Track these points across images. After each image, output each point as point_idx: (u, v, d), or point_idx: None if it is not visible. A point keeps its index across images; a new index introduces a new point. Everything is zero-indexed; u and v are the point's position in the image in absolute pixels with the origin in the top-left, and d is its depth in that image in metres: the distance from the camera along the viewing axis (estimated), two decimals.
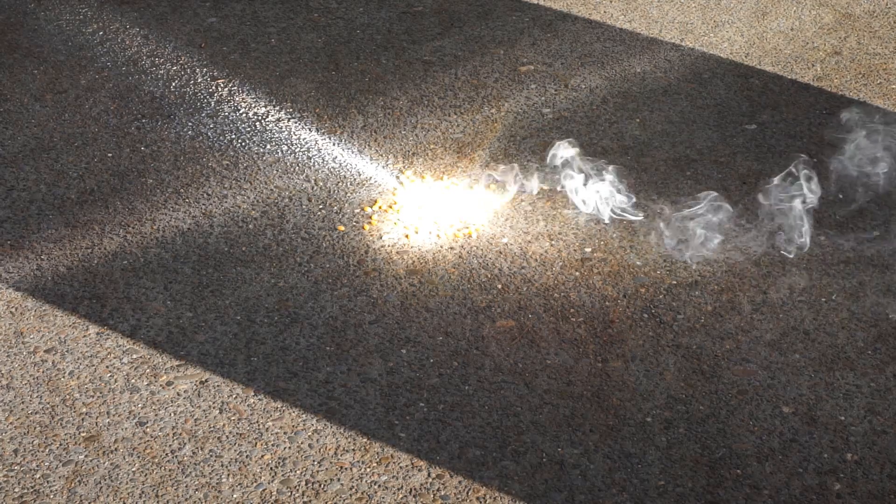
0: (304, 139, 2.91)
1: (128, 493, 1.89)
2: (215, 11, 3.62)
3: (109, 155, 2.84)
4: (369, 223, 2.57)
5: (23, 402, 2.07)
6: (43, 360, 2.17)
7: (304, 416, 2.05)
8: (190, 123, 2.98)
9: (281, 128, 2.97)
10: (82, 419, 2.04)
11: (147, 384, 2.12)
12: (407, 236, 2.52)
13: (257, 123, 2.98)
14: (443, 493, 1.90)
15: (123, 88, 3.14)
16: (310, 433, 2.01)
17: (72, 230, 2.54)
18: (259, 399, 2.09)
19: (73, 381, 2.13)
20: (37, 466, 1.94)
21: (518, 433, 2.01)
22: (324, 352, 2.20)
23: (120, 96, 3.10)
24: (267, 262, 2.45)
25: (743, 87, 3.19)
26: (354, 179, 2.74)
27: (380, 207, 2.62)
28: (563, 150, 2.71)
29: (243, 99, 3.10)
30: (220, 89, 3.15)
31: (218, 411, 2.06)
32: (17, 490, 1.89)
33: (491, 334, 2.25)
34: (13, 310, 2.31)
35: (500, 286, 2.38)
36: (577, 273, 2.42)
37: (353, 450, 1.98)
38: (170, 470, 1.94)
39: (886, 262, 2.46)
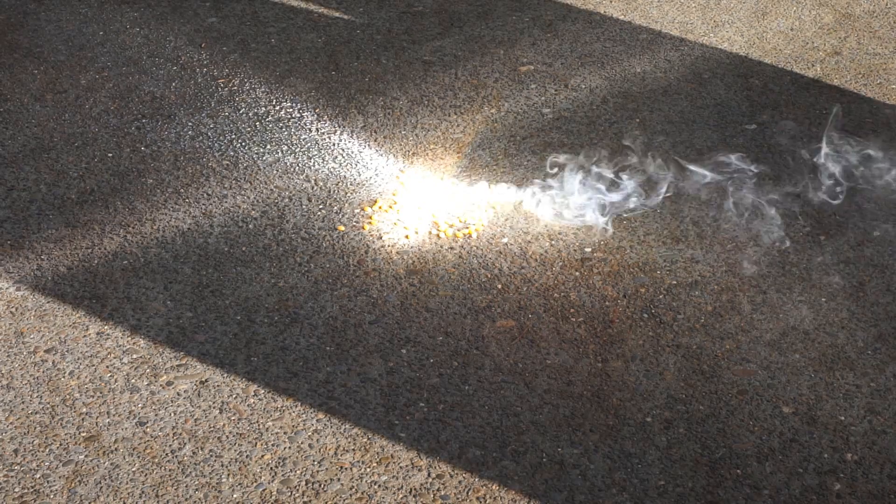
0: (304, 139, 2.91)
1: (128, 493, 1.89)
2: (215, 11, 3.62)
3: (109, 155, 2.84)
4: (369, 223, 2.57)
5: (23, 402, 2.08)
6: (43, 360, 2.18)
7: (304, 416, 2.05)
8: (190, 123, 2.98)
9: (281, 128, 2.97)
10: (82, 419, 2.04)
11: (147, 384, 2.12)
12: (407, 236, 2.52)
13: (257, 123, 2.98)
14: (443, 493, 1.90)
15: (123, 88, 3.14)
16: (310, 433, 2.01)
17: (72, 230, 2.54)
18: (259, 399, 2.09)
19: (73, 381, 2.13)
20: (37, 466, 1.94)
21: (518, 433, 2.01)
22: (324, 352, 2.20)
23: (120, 96, 3.10)
24: (267, 262, 2.45)
25: (743, 87, 3.19)
26: (354, 179, 2.74)
27: (380, 207, 2.62)
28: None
29: (243, 99, 3.10)
30: (220, 89, 3.15)
31: (218, 411, 2.06)
32: (17, 490, 1.89)
33: (491, 334, 2.25)
34: (13, 310, 2.31)
35: (500, 286, 2.38)
36: (577, 273, 2.42)
37: (353, 450, 1.98)
38: (170, 470, 1.94)
39: (886, 262, 2.46)
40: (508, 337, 2.24)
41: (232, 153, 2.85)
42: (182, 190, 2.69)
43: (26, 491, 1.89)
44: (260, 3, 3.68)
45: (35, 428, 2.02)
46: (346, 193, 2.69)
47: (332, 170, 2.78)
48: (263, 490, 1.90)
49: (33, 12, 3.59)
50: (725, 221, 2.48)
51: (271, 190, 2.70)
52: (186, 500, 1.88)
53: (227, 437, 2.01)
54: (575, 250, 2.49)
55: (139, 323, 2.27)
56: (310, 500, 1.88)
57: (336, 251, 2.49)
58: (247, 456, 1.97)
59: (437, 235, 2.53)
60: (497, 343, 2.22)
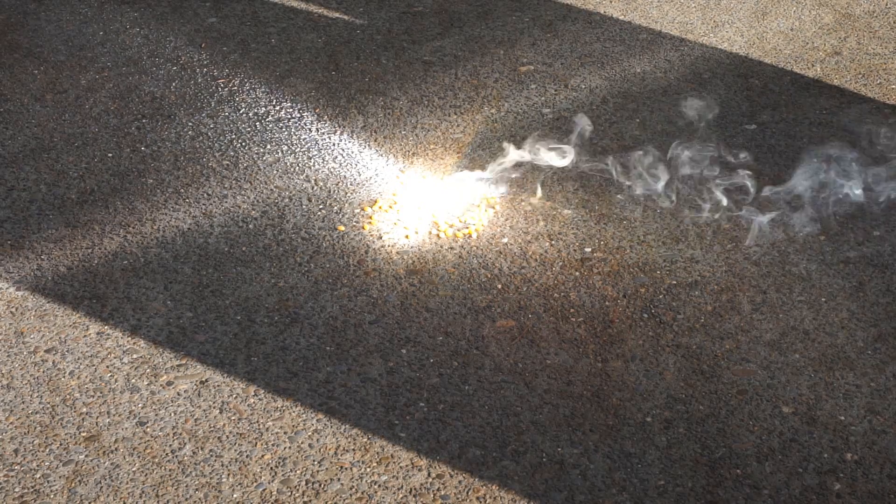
0: (304, 139, 2.91)
1: (128, 493, 1.89)
2: (215, 11, 3.62)
3: (109, 155, 2.84)
4: (369, 223, 2.57)
5: (23, 402, 2.08)
6: (43, 360, 2.18)
7: (304, 415, 2.05)
8: (190, 123, 2.98)
9: (281, 128, 2.97)
10: (82, 419, 2.04)
11: (147, 384, 2.12)
12: (407, 236, 2.52)
13: (257, 123, 2.98)
14: (443, 492, 1.90)
15: (123, 88, 3.14)
16: (310, 433, 2.01)
17: (72, 230, 2.54)
18: (259, 399, 2.09)
19: (73, 380, 2.13)
20: (37, 466, 1.94)
21: (518, 433, 2.01)
22: (324, 352, 2.20)
23: (120, 96, 3.10)
24: (267, 262, 2.45)
25: (743, 87, 3.19)
26: (354, 179, 2.74)
27: (380, 207, 2.62)
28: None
29: (243, 99, 3.10)
30: (220, 89, 3.15)
31: (218, 411, 2.06)
32: (17, 490, 1.89)
33: (491, 334, 2.25)
34: (13, 310, 2.31)
35: (500, 286, 2.38)
36: (577, 273, 2.42)
37: (353, 450, 1.98)
38: (170, 470, 1.94)
39: (886, 262, 2.46)
40: (508, 337, 2.24)
41: (232, 153, 2.85)
42: (182, 190, 2.69)
43: (26, 491, 1.89)
44: (260, 3, 3.68)
45: (35, 428, 2.02)
46: (346, 193, 2.69)
47: (332, 170, 2.78)
48: (263, 490, 1.90)
49: (33, 12, 3.59)
50: None
51: (271, 190, 2.70)
52: (186, 500, 1.88)
53: (227, 437, 2.01)
54: (575, 250, 2.49)
55: (139, 323, 2.27)
56: (310, 500, 1.88)
57: (336, 251, 2.49)
58: (247, 456, 1.97)
59: (437, 235, 2.53)
60: (497, 343, 2.22)
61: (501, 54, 3.37)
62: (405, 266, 2.44)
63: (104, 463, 1.95)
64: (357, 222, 2.58)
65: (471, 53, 3.38)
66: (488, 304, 2.33)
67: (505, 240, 2.52)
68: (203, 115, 3.02)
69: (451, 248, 2.50)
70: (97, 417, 2.05)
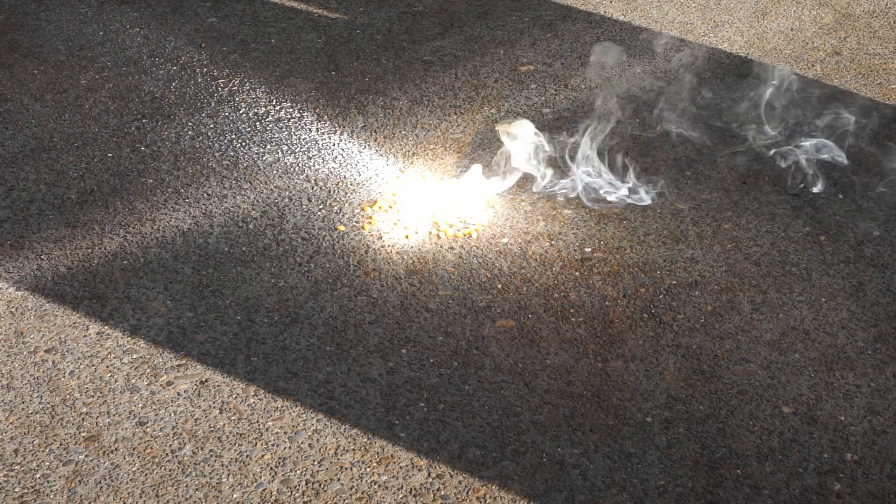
0: (304, 139, 2.91)
1: (128, 493, 1.89)
2: (215, 11, 3.62)
3: (109, 155, 2.84)
4: (369, 223, 2.57)
5: (23, 402, 2.08)
6: (43, 360, 2.18)
7: (304, 415, 2.05)
8: (190, 123, 2.98)
9: (281, 128, 2.97)
10: (82, 419, 2.04)
11: (147, 384, 2.12)
12: (407, 236, 2.52)
13: (257, 123, 2.98)
14: (443, 493, 1.90)
15: (123, 88, 3.14)
16: (310, 433, 2.02)
17: (72, 230, 2.54)
18: (259, 399, 2.09)
19: (73, 380, 2.13)
20: (37, 466, 1.94)
21: (518, 433, 2.01)
22: (324, 352, 2.20)
23: (120, 96, 3.10)
24: (267, 262, 2.45)
25: (743, 87, 3.19)
26: (354, 179, 2.74)
27: (380, 207, 2.62)
28: None
29: (243, 99, 3.10)
30: (220, 89, 3.15)
31: (218, 411, 2.06)
32: (17, 490, 1.89)
33: (491, 334, 2.25)
34: (13, 310, 2.31)
35: (500, 286, 2.38)
36: (577, 273, 2.43)
37: (353, 450, 1.98)
38: (170, 470, 1.94)
39: (886, 261, 2.46)
40: (508, 337, 2.24)
41: (232, 153, 2.85)
42: (182, 190, 2.69)
43: (26, 491, 1.89)
44: (260, 3, 3.68)
45: (35, 428, 2.02)
46: (346, 193, 2.69)
47: (332, 170, 2.78)
48: (263, 490, 1.90)
49: (33, 12, 3.59)
50: None
51: (271, 190, 2.70)
52: (186, 500, 1.88)
53: (227, 437, 2.01)
54: (575, 250, 2.49)
55: (139, 323, 2.27)
56: (310, 500, 1.88)
57: (336, 251, 2.49)
58: (247, 456, 1.97)
59: (437, 235, 2.53)
60: (497, 343, 2.22)
61: (501, 54, 3.37)
62: (405, 266, 2.44)
63: (104, 463, 1.95)
64: (357, 222, 2.58)
65: (471, 53, 3.38)
66: (488, 304, 2.33)
67: (505, 240, 2.52)
68: (203, 115, 3.02)
69: (451, 248, 2.50)
70: (97, 417, 2.05)
